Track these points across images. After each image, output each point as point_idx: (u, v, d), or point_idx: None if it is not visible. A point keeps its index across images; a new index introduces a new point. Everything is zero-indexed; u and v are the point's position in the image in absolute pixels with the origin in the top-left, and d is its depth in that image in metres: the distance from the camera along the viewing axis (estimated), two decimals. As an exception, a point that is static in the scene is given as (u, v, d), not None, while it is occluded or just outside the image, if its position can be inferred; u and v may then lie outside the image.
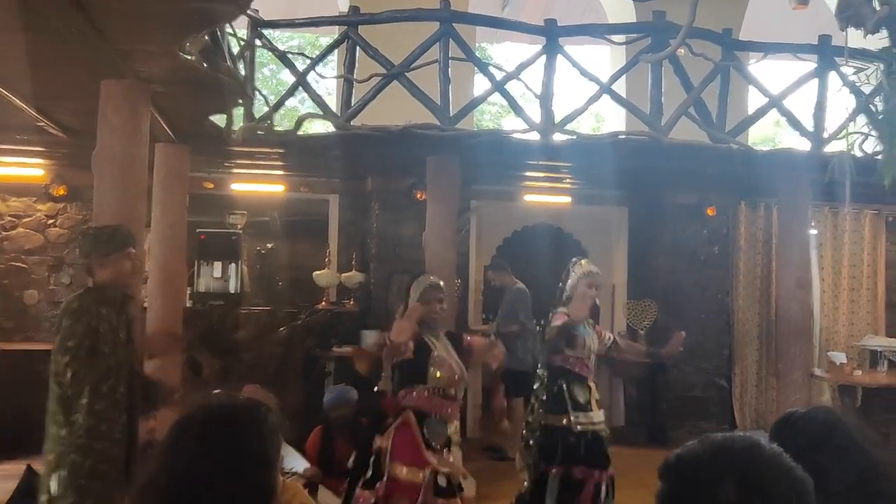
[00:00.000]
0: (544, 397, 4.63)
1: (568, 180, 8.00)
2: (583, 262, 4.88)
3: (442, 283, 4.18)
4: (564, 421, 4.53)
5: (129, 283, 3.55)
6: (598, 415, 4.63)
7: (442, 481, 3.87)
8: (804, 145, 6.19)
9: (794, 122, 6.19)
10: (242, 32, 5.81)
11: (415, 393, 3.92)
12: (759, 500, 1.22)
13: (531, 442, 4.68)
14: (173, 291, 5.87)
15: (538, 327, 7.98)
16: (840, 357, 7.35)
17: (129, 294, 3.55)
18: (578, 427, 4.51)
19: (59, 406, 3.26)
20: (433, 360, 3.94)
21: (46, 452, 3.28)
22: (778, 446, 1.31)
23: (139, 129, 4.32)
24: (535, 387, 4.78)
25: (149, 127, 4.46)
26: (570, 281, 4.77)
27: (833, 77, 6.08)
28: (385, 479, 3.80)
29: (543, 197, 8.39)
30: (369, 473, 3.87)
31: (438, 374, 3.92)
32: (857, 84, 6.01)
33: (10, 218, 7.54)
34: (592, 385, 4.67)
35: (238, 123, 5.68)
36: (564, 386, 4.57)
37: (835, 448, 1.84)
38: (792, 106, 6.26)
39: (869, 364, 7.84)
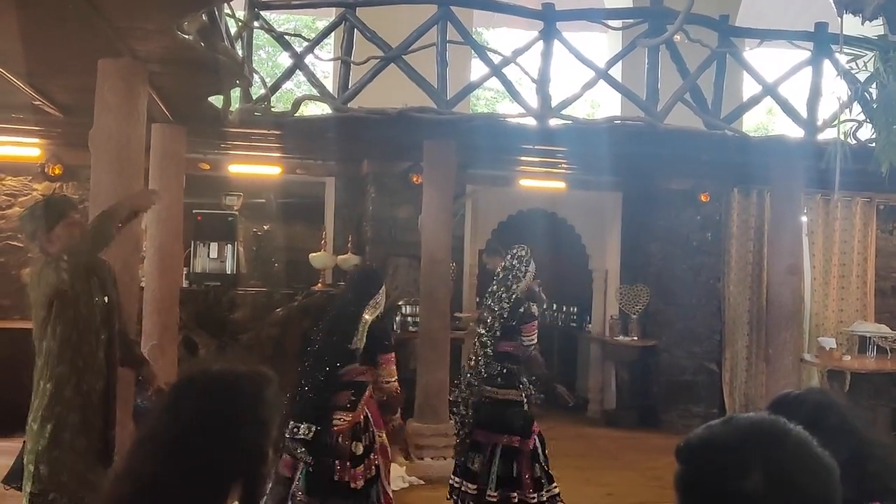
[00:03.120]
0: None
1: (563, 165, 8.03)
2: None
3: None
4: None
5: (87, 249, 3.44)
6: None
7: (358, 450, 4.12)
8: (797, 133, 6.23)
9: (789, 110, 6.22)
10: (240, 13, 5.81)
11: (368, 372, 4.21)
12: (785, 491, 1.17)
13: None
14: (170, 272, 5.89)
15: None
16: (829, 342, 7.43)
17: (101, 259, 3.50)
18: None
19: (37, 373, 3.30)
20: None
21: (36, 409, 3.29)
22: (804, 430, 1.26)
23: (136, 108, 4.30)
24: None
25: (146, 107, 4.46)
26: None
27: (828, 65, 6.11)
28: (377, 446, 4.14)
29: (538, 182, 8.42)
30: (360, 450, 4.05)
31: None
32: (853, 72, 6.03)
33: (5, 197, 7.54)
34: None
35: (235, 105, 5.68)
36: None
37: (828, 429, 1.86)
38: (786, 93, 6.29)
39: (858, 350, 7.94)
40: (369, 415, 4.14)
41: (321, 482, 4.00)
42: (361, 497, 4.04)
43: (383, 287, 4.39)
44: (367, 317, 4.19)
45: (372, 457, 4.10)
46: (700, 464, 1.25)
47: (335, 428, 4.02)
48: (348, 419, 4.04)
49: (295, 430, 4.01)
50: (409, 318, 7.42)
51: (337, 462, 4.00)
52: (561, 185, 8.46)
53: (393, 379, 4.19)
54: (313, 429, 3.97)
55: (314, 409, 4.04)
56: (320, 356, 4.15)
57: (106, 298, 3.43)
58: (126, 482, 1.52)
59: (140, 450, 1.54)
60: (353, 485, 4.00)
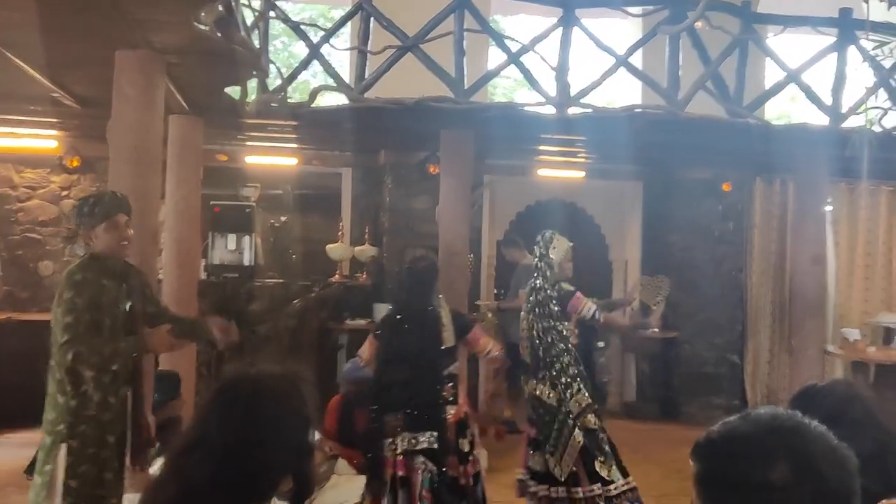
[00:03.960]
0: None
1: (582, 155, 7.96)
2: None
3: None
4: None
5: (125, 251, 3.45)
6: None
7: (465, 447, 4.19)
8: (820, 121, 6.12)
9: (813, 97, 6.11)
10: (256, 3, 5.77)
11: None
12: (811, 480, 1.19)
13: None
14: (188, 263, 5.89)
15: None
16: (854, 334, 7.32)
17: (129, 264, 3.51)
18: None
19: (67, 376, 3.26)
20: None
21: (53, 422, 3.27)
22: (819, 423, 1.28)
23: (154, 100, 4.30)
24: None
25: (163, 98, 4.45)
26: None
27: (853, 51, 5.99)
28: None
29: (557, 172, 8.35)
30: (466, 447, 4.10)
31: None
32: (878, 58, 5.92)
33: (24, 189, 7.58)
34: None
35: (252, 95, 5.66)
36: None
37: (852, 421, 1.84)
38: (810, 81, 6.18)
39: (883, 341, 7.81)
40: (468, 410, 4.18)
41: (444, 480, 3.99)
42: (471, 494, 4.07)
43: None
44: (443, 310, 4.21)
45: (476, 453, 4.15)
46: (724, 458, 1.26)
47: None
48: (453, 412, 4.06)
49: (413, 441, 3.96)
50: (427, 310, 7.40)
51: (449, 458, 4.01)
52: (580, 174, 8.38)
53: (489, 348, 4.28)
54: (436, 435, 3.95)
55: (431, 415, 4.00)
56: (419, 365, 4.05)
57: (129, 305, 3.42)
58: (173, 484, 1.60)
59: (190, 454, 1.60)
60: (462, 482, 4.02)
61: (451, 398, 4.07)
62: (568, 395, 4.38)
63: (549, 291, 4.57)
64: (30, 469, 5.24)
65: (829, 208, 7.62)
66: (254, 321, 7.09)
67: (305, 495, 1.68)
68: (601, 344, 4.95)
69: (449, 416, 4.03)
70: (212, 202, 7.18)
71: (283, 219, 8.21)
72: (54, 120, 6.64)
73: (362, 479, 5.56)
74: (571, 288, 4.71)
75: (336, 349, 7.37)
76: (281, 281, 7.53)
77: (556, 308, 4.54)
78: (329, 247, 7.69)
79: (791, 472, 1.18)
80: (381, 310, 7.42)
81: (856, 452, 1.56)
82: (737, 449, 1.25)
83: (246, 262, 7.36)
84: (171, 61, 4.43)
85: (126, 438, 3.45)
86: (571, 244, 4.84)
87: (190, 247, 5.95)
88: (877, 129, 6.02)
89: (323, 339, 7.35)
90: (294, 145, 7.73)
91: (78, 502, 3.23)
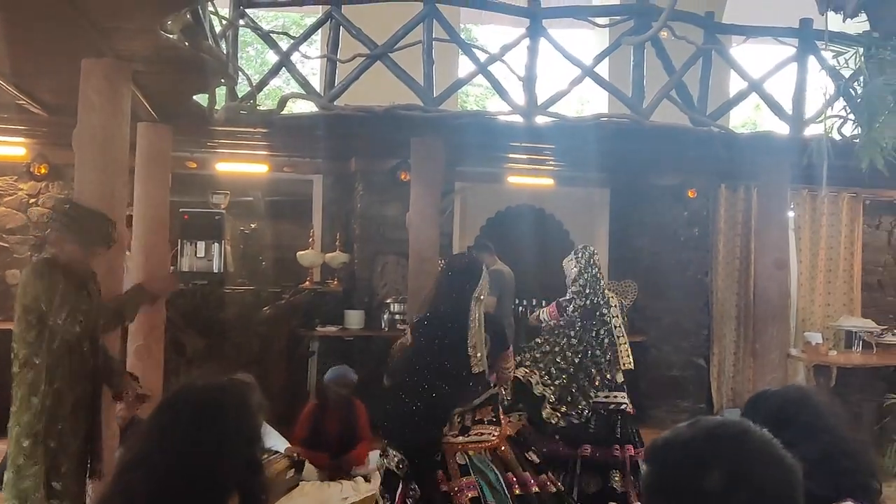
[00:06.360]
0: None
1: (551, 162, 8.03)
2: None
3: None
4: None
5: (90, 264, 3.54)
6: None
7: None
8: (783, 129, 6.25)
9: (774, 106, 6.24)
10: (225, 11, 5.78)
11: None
12: (745, 490, 1.19)
13: None
14: (157, 271, 5.86)
15: (521, 308, 8.07)
16: (816, 337, 7.46)
17: (92, 271, 3.54)
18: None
19: (23, 386, 3.29)
20: None
21: (30, 424, 3.29)
22: (767, 432, 1.29)
23: (120, 108, 4.29)
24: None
25: (130, 106, 4.44)
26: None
27: (813, 61, 6.13)
28: None
29: (526, 178, 8.43)
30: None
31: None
32: (837, 68, 6.07)
33: (-9, 197, 7.50)
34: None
35: (221, 103, 5.66)
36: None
37: (802, 425, 1.88)
38: (772, 90, 6.31)
39: (844, 344, 7.97)
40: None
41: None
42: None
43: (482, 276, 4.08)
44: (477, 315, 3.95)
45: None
46: (663, 464, 1.28)
47: (485, 445, 3.80)
48: (497, 433, 3.86)
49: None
50: (398, 316, 7.42)
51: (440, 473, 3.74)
52: (549, 181, 8.46)
53: (511, 367, 4.24)
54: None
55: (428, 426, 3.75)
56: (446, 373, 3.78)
57: (93, 309, 3.44)
58: (117, 502, 1.54)
59: (132, 471, 1.55)
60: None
61: (493, 418, 3.90)
62: None
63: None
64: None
65: (791, 214, 7.77)
66: (224, 328, 7.08)
67: None
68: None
69: (491, 438, 3.84)
70: (181, 209, 7.15)
71: (253, 226, 8.19)
72: (22, 127, 6.57)
73: (333, 486, 5.58)
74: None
75: (307, 356, 7.37)
76: (251, 288, 7.52)
77: None
78: (300, 253, 7.69)
79: (724, 481, 1.19)
80: (353, 316, 7.45)
81: (804, 456, 1.60)
82: (675, 455, 1.26)
83: (216, 269, 7.34)
84: (137, 69, 4.42)
85: (90, 445, 3.45)
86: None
87: (159, 254, 5.92)
88: (836, 136, 6.16)
89: (294, 346, 7.34)
90: (264, 152, 7.72)
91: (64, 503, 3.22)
